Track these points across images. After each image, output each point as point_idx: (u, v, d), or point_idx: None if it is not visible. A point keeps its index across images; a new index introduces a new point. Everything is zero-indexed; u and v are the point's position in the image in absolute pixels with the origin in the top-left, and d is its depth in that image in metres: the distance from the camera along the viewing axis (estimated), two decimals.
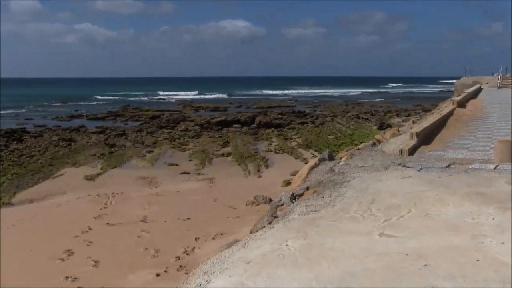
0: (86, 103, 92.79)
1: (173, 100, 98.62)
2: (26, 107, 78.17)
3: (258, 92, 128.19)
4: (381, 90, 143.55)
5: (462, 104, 18.38)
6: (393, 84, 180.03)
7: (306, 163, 16.48)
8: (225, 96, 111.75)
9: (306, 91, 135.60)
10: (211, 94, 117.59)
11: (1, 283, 8.65)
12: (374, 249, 4.60)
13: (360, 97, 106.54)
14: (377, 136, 14.62)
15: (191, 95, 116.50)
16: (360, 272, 4.04)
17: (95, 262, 9.44)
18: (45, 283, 8.49)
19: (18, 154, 32.12)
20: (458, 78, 41.77)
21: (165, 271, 8.64)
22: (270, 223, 6.77)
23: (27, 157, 30.98)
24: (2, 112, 69.65)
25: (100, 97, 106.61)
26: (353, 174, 8.24)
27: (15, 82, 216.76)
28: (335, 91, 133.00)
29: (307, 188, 7.98)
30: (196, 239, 10.50)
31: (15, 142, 37.78)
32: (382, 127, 38.33)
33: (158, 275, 8.48)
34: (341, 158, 11.16)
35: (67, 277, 8.65)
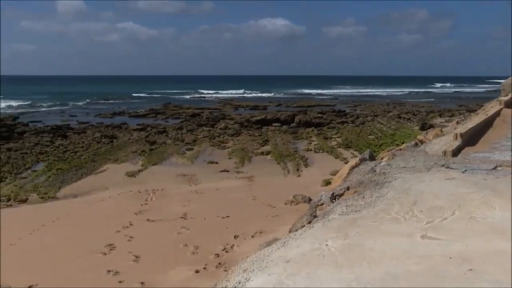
0: (127, 100, 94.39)
1: (213, 98, 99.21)
2: (70, 104, 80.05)
3: (298, 90, 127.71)
4: (428, 89, 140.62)
5: (510, 104, 17.84)
6: (441, 84, 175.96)
7: (346, 163, 16.33)
8: (264, 94, 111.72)
9: (347, 90, 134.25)
10: (251, 93, 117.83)
11: (43, 276, 8.87)
12: (416, 251, 4.51)
13: (407, 97, 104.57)
14: (420, 137, 14.36)
15: (232, 93, 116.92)
16: (402, 274, 3.97)
17: (136, 257, 9.57)
18: (88, 276, 8.66)
19: (63, 149, 32.93)
20: (505, 77, 40.63)
21: (204, 268, 8.69)
22: (309, 222, 6.73)
23: (71, 152, 31.73)
24: (48, 109, 71.54)
25: (141, 95, 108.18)
26: (394, 175, 8.11)
27: (60, 80, 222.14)
28: (378, 90, 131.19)
29: (348, 188, 7.90)
30: (235, 237, 10.53)
31: (60, 138, 38.79)
32: (424, 127, 37.66)
33: (197, 271, 8.54)
34: (382, 158, 11.01)
35: (108, 271, 8.80)
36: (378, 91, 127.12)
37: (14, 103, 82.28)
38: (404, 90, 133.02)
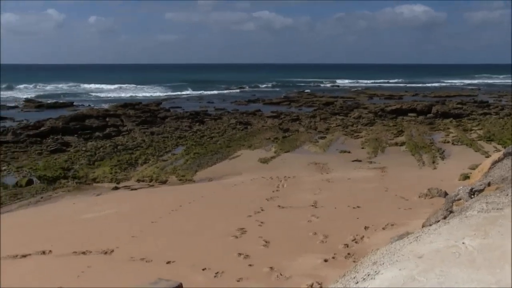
0: (262, 88, 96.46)
1: (348, 87, 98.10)
2: (208, 91, 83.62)
3: (435, 80, 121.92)
4: None
5: None
6: None
7: (487, 157, 15.30)
8: (400, 84, 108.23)
9: (492, 80, 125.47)
10: (386, 82, 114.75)
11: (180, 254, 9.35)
12: None
13: None
14: None
15: (366, 83, 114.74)
16: None
17: (266, 242, 9.76)
18: (220, 256, 9.00)
19: (200, 135, 34.53)
20: None
21: (333, 258, 8.63)
22: (445, 217, 6.39)
23: (207, 138, 33.17)
24: (187, 95, 75.34)
25: (275, 83, 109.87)
26: None
27: (199, 68, 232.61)
28: None
29: (489, 184, 7.38)
30: (366, 228, 10.33)
31: (197, 123, 40.74)
32: None
33: (325, 260, 8.51)
34: None
35: (239, 254, 9.07)
36: None
37: (157, 90, 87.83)
38: None
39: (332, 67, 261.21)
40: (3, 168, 24.83)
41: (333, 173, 21.08)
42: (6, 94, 79.68)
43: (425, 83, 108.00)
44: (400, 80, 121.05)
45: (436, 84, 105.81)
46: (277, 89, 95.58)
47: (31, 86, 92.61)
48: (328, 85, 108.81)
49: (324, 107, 53.42)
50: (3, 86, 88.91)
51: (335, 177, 18.88)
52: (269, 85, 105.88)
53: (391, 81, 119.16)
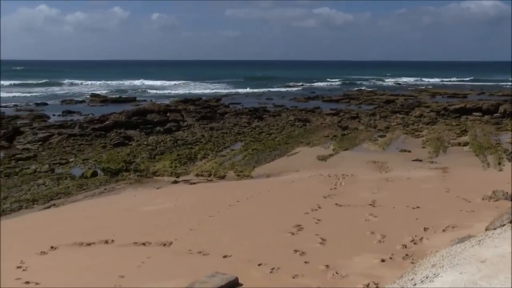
0: (320, 85, 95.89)
1: (409, 85, 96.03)
2: (267, 87, 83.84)
3: (504, 78, 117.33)
4: None
5: None
6: None
7: None
8: (465, 82, 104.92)
9: None
10: (449, 80, 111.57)
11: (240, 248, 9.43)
12: None
13: None
14: None
15: (429, 81, 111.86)
16: None
17: (322, 239, 9.70)
18: (276, 252, 9.02)
19: (259, 131, 34.70)
20: None
21: (390, 258, 8.48)
22: (511, 221, 6.17)
23: (266, 134, 33.29)
24: (247, 91, 75.83)
25: (335, 80, 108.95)
26: None
27: (258, 65, 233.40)
28: None
29: None
30: (425, 229, 10.08)
31: (256, 120, 40.95)
32: None
33: (383, 260, 8.37)
34: None
35: (295, 251, 9.05)
36: None
37: (217, 86, 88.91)
38: None
39: (394, 64, 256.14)
40: (71, 159, 25.85)
41: (392, 172, 20.70)
42: (74, 89, 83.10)
43: (492, 81, 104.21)
44: (465, 78, 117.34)
45: (504, 83, 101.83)
46: (337, 86, 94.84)
47: (98, 82, 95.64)
48: (390, 82, 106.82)
49: (384, 105, 52.58)
50: (67, 81, 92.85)
51: (394, 176, 18.53)
52: (329, 82, 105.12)
53: (455, 79, 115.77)
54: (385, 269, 8.01)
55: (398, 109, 47.30)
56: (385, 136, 32.34)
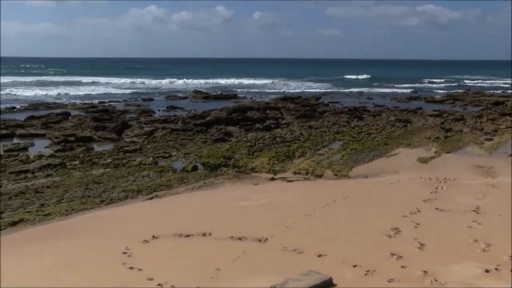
0: (423, 84, 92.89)
1: None
2: (366, 88, 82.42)
3: None
4: None
5: None
6: None
7: None
8: None
9: None
10: None
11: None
12: None
13: None
14: None
15: None
16: None
17: (421, 244, 9.39)
18: (371, 255, 8.86)
19: (358, 130, 34.23)
20: None
21: (496, 269, 8.03)
22: None
23: (365, 134, 32.78)
24: (346, 89, 75.01)
25: (439, 80, 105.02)
26: None
27: (360, 63, 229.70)
28: None
29: None
30: None
31: (356, 119, 40.49)
32: None
33: (487, 271, 7.95)
34: None
35: (392, 254, 8.85)
36: None
37: (317, 85, 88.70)
38: None
39: (506, 63, 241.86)
40: (173, 153, 26.93)
41: (499, 178, 19.60)
42: (178, 85, 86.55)
43: None
44: None
45: None
46: (441, 85, 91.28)
47: (202, 81, 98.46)
48: (501, 83, 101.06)
49: (492, 106, 49.95)
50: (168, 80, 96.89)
51: (501, 183, 17.52)
52: (432, 81, 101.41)
53: None
54: (490, 280, 7.63)
55: (508, 111, 44.69)
56: (492, 139, 30.69)
